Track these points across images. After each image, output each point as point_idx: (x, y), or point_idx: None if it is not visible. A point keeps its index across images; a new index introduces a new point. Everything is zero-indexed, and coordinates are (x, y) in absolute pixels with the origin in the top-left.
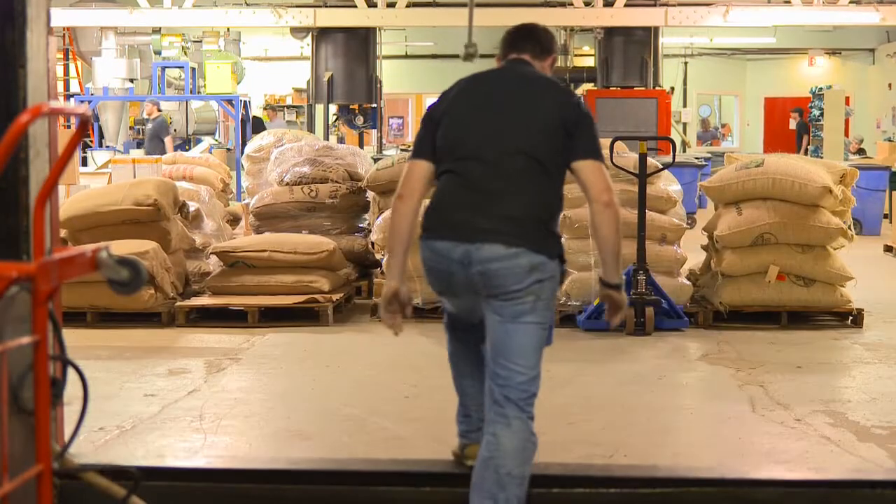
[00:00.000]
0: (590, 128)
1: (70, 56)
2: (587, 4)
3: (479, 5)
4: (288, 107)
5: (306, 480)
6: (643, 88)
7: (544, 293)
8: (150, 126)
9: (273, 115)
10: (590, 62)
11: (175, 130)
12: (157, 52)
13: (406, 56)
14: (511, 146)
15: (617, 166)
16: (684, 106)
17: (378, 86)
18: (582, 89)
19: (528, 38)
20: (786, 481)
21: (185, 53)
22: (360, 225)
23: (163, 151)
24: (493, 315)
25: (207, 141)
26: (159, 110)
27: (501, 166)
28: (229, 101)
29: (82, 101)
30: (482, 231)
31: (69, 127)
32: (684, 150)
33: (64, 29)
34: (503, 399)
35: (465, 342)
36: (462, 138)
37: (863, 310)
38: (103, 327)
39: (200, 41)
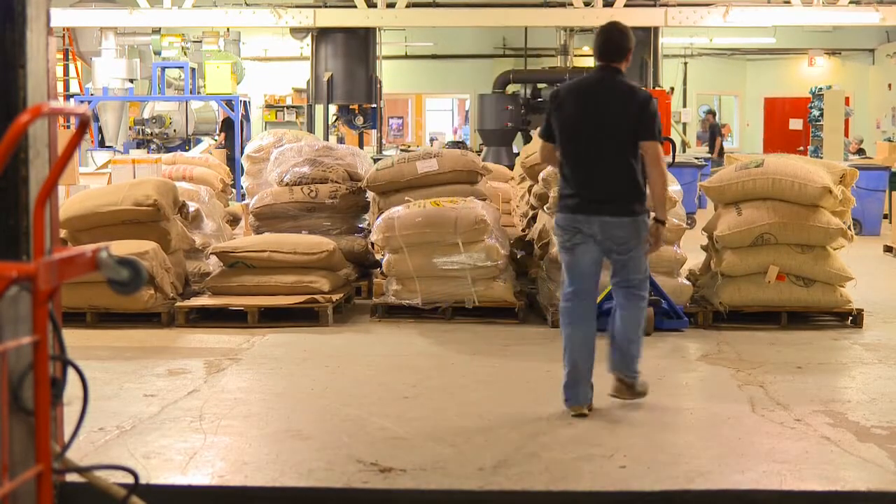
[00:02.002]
0: (651, 118)
1: (70, 56)
2: (587, 4)
3: (479, 5)
4: (288, 107)
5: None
6: (643, 88)
7: (641, 233)
8: None
9: None
10: (589, 62)
11: (175, 131)
12: (157, 53)
13: (406, 56)
14: (606, 144)
15: None
16: (684, 106)
17: (378, 86)
18: None
19: (615, 50)
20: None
21: (185, 54)
22: (360, 225)
23: None
24: (612, 253)
25: (207, 141)
26: None
27: (601, 160)
28: (229, 102)
29: (82, 102)
30: (598, 208)
31: (69, 127)
32: (684, 151)
33: (64, 29)
34: (625, 298)
35: (583, 325)
36: (572, 140)
37: (863, 310)
38: (103, 327)
39: (200, 41)
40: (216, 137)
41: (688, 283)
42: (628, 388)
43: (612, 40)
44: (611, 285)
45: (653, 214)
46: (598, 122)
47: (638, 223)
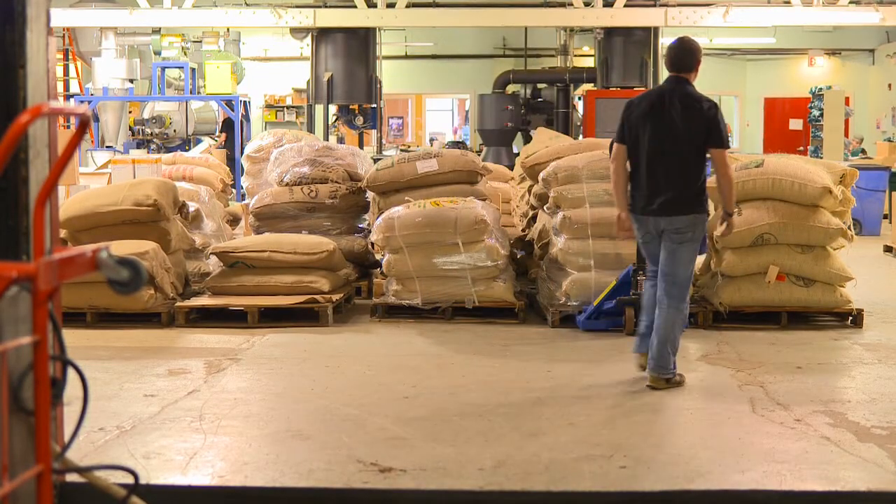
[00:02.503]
0: (718, 127)
1: (70, 56)
2: (587, 4)
3: (479, 5)
4: (288, 107)
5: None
6: (643, 89)
7: (698, 229)
8: None
9: None
10: (589, 62)
11: (175, 131)
12: (157, 53)
13: (406, 56)
14: (673, 150)
15: None
16: None
17: (378, 86)
18: (582, 90)
19: (685, 62)
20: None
21: (185, 54)
22: (360, 225)
23: None
24: (668, 243)
25: (207, 141)
26: None
27: (666, 164)
28: (229, 102)
29: (82, 102)
30: (660, 209)
31: (69, 127)
32: None
33: (64, 29)
34: (666, 295)
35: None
36: (642, 145)
37: (863, 310)
38: (103, 327)
39: (200, 41)
40: (216, 137)
41: None
42: (666, 381)
43: (683, 53)
44: (658, 276)
45: (720, 209)
46: (668, 130)
47: (696, 219)
